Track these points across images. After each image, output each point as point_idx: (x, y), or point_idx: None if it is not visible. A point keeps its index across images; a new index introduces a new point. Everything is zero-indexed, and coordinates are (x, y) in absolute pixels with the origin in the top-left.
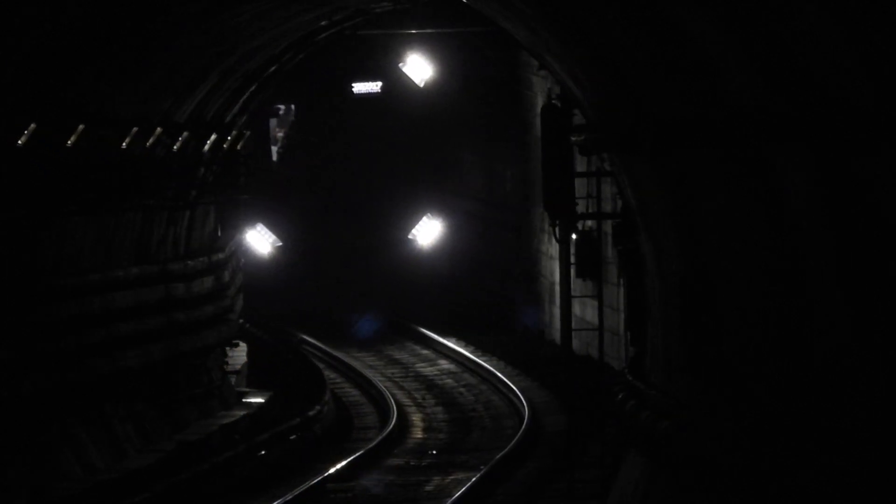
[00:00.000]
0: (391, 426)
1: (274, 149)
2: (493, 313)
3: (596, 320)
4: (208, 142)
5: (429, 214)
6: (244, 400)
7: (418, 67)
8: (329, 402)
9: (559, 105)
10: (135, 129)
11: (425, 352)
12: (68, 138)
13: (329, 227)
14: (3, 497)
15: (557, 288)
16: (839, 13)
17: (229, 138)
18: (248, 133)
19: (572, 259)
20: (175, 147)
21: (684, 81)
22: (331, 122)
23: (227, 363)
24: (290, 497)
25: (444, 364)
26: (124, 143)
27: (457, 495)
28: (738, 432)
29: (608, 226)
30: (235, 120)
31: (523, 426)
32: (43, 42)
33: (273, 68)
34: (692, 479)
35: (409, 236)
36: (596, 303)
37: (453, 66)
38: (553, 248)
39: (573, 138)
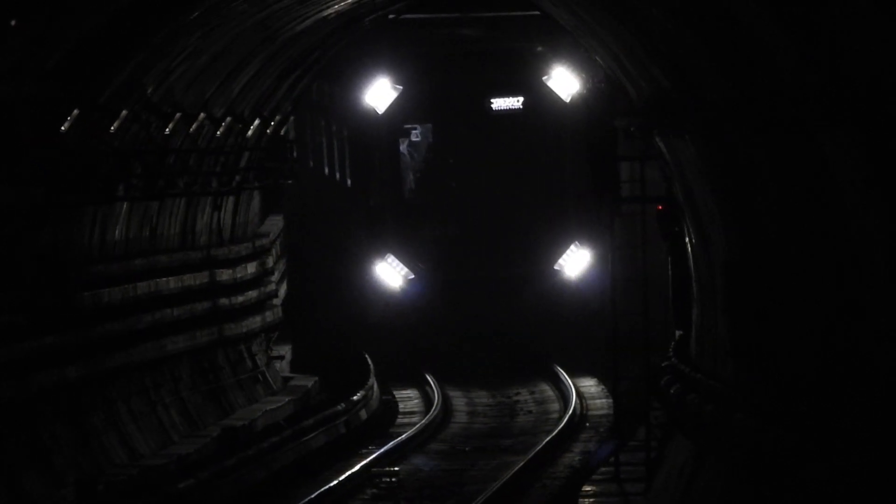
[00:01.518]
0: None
1: (410, 175)
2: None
3: None
4: (251, 127)
5: (577, 243)
6: (290, 384)
7: (564, 81)
8: (373, 387)
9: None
10: (178, 114)
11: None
12: (112, 125)
13: (465, 258)
14: (49, 482)
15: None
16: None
17: (273, 124)
18: (292, 118)
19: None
20: (218, 133)
21: (733, 65)
22: (468, 142)
23: (271, 348)
24: (335, 483)
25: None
26: (167, 130)
27: None
28: (781, 417)
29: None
30: (279, 106)
31: None
32: (90, 31)
33: (316, 54)
34: (738, 463)
35: (556, 267)
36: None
37: (599, 77)
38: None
39: (617, 122)
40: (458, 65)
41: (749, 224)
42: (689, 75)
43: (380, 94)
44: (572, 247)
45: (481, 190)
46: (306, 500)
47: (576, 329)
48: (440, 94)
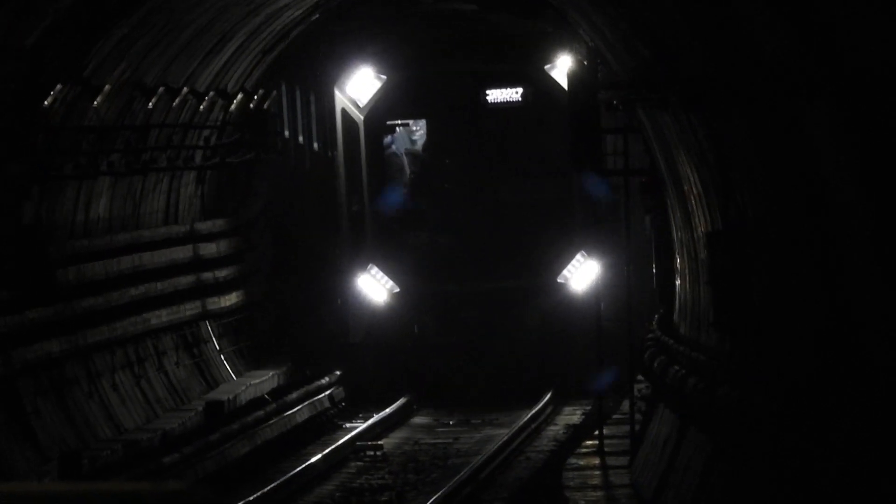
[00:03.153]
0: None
1: (407, 174)
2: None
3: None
4: (234, 102)
5: (583, 252)
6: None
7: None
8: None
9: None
10: (161, 89)
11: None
12: (95, 99)
13: (457, 269)
14: (34, 457)
15: None
16: None
17: (256, 97)
18: (275, 93)
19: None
20: (201, 108)
21: (713, 37)
22: (459, 139)
23: (254, 324)
24: (320, 456)
25: None
26: (150, 105)
27: None
28: (764, 388)
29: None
30: (262, 81)
31: None
32: (71, 6)
33: (299, 29)
34: (721, 435)
35: (559, 279)
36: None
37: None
38: None
39: (600, 95)
40: (448, 51)
41: (730, 196)
42: (671, 48)
43: (361, 84)
44: (578, 256)
45: (475, 193)
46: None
47: (584, 348)
48: (429, 85)
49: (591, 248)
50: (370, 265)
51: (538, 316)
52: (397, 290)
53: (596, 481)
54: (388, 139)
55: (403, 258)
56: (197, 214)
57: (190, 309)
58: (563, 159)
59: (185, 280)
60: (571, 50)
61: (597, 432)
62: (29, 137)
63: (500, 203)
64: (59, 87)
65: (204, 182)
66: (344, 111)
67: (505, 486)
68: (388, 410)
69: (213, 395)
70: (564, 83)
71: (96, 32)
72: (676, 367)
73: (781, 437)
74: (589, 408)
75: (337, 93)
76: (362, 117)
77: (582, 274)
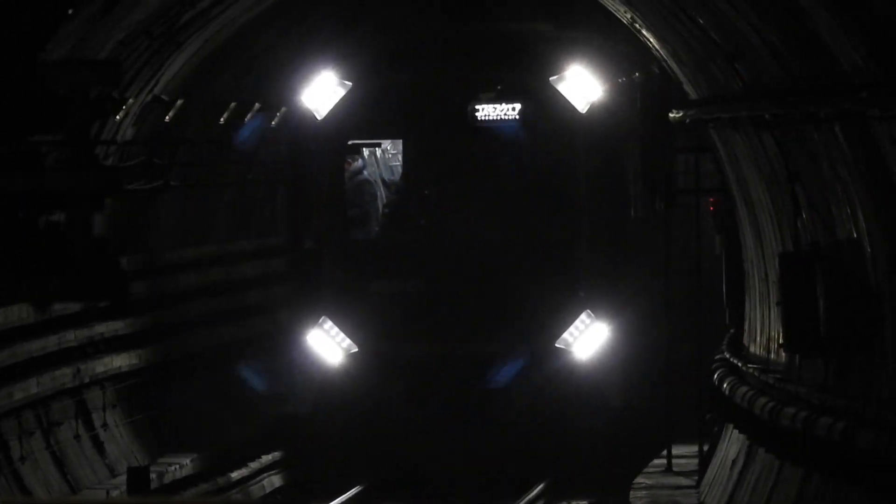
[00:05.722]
0: None
1: (380, 206)
2: None
3: None
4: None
5: (589, 311)
6: None
7: (581, 84)
8: None
9: (658, 81)
10: (233, 104)
11: None
12: (166, 115)
13: (433, 328)
14: (101, 470)
15: None
16: None
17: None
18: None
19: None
20: (272, 123)
21: (789, 58)
22: (442, 166)
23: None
24: None
25: None
26: (222, 120)
27: None
28: (833, 408)
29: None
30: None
31: None
32: (143, 20)
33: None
34: (789, 456)
35: (558, 345)
36: None
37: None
38: None
39: (672, 114)
40: (431, 54)
41: (802, 216)
42: (746, 68)
43: (321, 92)
44: (583, 317)
45: (458, 232)
46: None
47: (588, 437)
48: (404, 96)
49: (601, 305)
50: (323, 317)
51: (530, 389)
52: (356, 349)
53: None
54: (359, 163)
55: (365, 310)
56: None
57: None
58: (568, 193)
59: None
60: (585, 58)
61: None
62: (101, 150)
63: (488, 246)
64: (131, 100)
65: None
66: (299, 126)
67: None
68: (338, 502)
69: None
70: (575, 98)
71: (168, 47)
72: (745, 388)
73: (850, 461)
74: None
75: (292, 103)
76: (320, 134)
77: (586, 339)
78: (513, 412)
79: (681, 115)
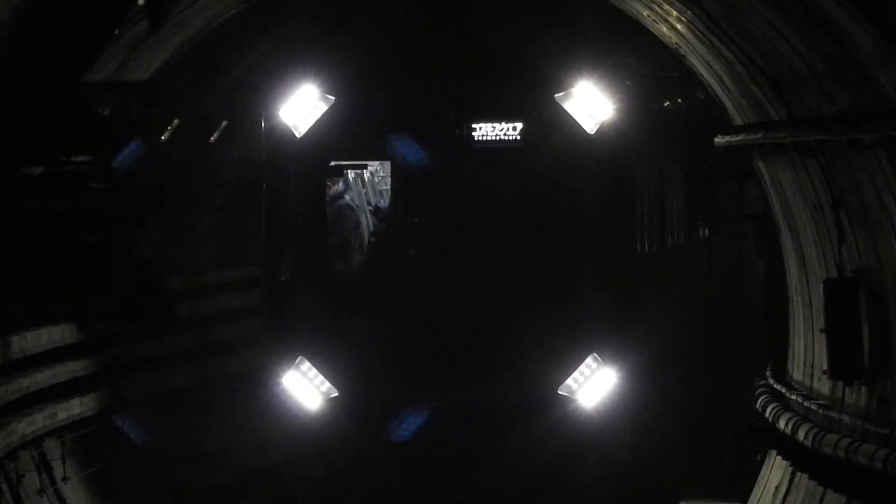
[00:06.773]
0: None
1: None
2: None
3: None
4: None
5: (595, 354)
6: None
7: (589, 103)
8: None
9: (702, 106)
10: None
11: None
12: (210, 136)
13: (420, 371)
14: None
15: None
16: None
17: None
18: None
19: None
20: None
21: (835, 84)
22: (434, 192)
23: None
24: None
25: None
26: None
27: None
28: (875, 436)
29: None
30: None
31: None
32: (183, 44)
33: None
34: (833, 483)
35: (561, 392)
36: None
37: (645, 100)
38: None
39: (717, 139)
40: (422, 68)
41: (847, 243)
42: (790, 94)
43: (301, 107)
44: (588, 360)
45: (450, 265)
46: None
47: (592, 496)
48: (393, 111)
49: (607, 348)
50: (300, 358)
51: (529, 441)
52: (336, 394)
53: None
54: (339, 186)
55: (347, 351)
56: None
57: None
58: (573, 223)
59: None
60: (594, 75)
61: None
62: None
63: (484, 281)
64: (176, 121)
65: None
66: (275, 144)
67: None
68: None
69: None
70: (582, 118)
71: (211, 71)
72: (789, 414)
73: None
74: None
75: (268, 118)
76: (297, 153)
77: (592, 385)
78: (509, 467)
79: (725, 140)
